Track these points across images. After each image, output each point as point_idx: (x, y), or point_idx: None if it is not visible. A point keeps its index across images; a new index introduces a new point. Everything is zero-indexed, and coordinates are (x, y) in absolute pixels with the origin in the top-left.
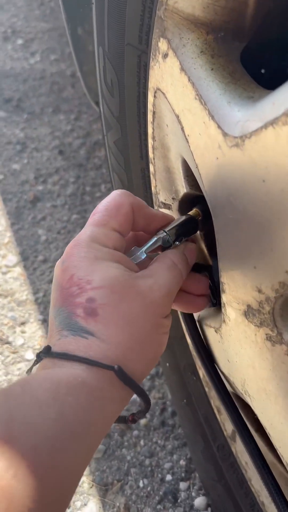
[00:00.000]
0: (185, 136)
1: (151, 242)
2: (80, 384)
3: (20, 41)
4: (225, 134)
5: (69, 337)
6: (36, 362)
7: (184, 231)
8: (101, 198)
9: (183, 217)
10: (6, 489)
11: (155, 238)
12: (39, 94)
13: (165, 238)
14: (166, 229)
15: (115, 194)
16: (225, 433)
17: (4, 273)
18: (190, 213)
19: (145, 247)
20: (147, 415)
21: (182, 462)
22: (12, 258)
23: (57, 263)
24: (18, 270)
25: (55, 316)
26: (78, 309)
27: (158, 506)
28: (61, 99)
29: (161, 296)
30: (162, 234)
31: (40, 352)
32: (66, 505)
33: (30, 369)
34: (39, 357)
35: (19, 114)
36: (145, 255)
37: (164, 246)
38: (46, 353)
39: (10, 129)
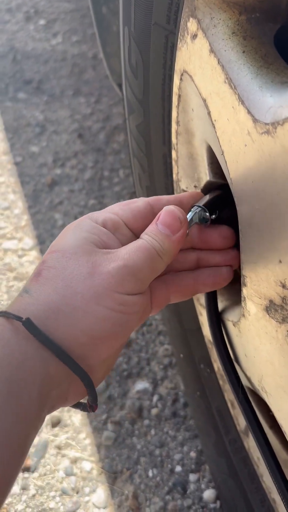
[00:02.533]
0: (211, 121)
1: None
2: None
3: (42, 22)
4: (255, 120)
5: (17, 297)
6: None
7: (217, 206)
8: (119, 183)
9: (213, 193)
10: None
11: (190, 215)
12: (59, 76)
13: (201, 214)
14: (199, 204)
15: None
16: (238, 427)
17: (20, 256)
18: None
19: None
20: (159, 405)
21: (192, 454)
22: (29, 241)
23: None
24: (34, 253)
25: None
26: (32, 273)
27: (167, 497)
28: (81, 81)
29: (117, 267)
30: (197, 210)
31: None
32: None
33: None
34: None
35: (39, 96)
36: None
37: (201, 223)
38: None
39: (30, 111)
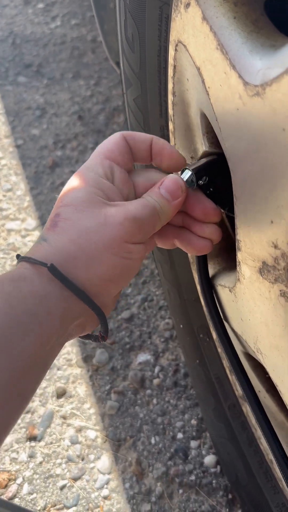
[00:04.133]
0: (205, 88)
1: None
2: (22, 279)
3: (41, 5)
4: (246, 84)
5: (36, 244)
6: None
7: (209, 172)
8: None
9: (207, 158)
10: None
11: (183, 174)
12: (59, 59)
13: (189, 178)
14: (190, 168)
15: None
16: (236, 393)
17: (24, 237)
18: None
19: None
20: (160, 375)
21: (193, 422)
22: (32, 222)
23: None
24: (37, 233)
25: None
26: (47, 222)
27: (169, 462)
28: (81, 64)
29: (125, 218)
30: (187, 174)
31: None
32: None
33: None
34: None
35: (39, 79)
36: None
37: (188, 186)
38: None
39: (30, 94)
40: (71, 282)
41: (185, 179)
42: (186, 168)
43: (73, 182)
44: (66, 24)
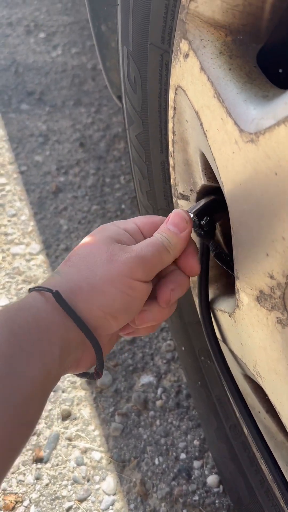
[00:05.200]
0: (203, 131)
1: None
2: (27, 307)
3: (42, 35)
4: (241, 130)
5: (49, 277)
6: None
7: (208, 211)
8: (120, 189)
9: (206, 199)
10: None
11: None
12: (60, 87)
13: (194, 221)
14: (192, 210)
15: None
16: (237, 413)
17: (28, 261)
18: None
19: None
20: (163, 397)
21: (196, 442)
22: (36, 246)
23: None
24: (41, 257)
25: None
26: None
27: (173, 483)
28: (82, 92)
29: (130, 257)
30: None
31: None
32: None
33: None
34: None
35: (41, 107)
36: None
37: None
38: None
39: (33, 122)
40: (72, 309)
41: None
42: (187, 211)
43: (94, 231)
44: (67, 53)
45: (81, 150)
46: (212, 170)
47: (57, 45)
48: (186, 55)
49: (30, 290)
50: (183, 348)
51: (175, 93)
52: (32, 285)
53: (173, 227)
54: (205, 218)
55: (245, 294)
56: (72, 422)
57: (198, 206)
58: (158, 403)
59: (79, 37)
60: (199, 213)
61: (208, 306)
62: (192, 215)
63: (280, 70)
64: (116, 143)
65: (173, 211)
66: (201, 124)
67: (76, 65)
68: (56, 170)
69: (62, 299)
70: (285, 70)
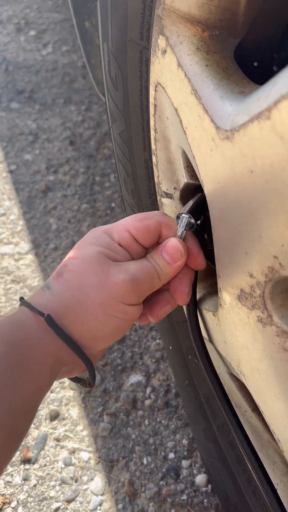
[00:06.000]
0: (183, 128)
1: (181, 229)
2: (20, 325)
3: (32, 32)
4: (217, 127)
5: (40, 290)
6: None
7: (201, 209)
8: (110, 188)
9: (194, 197)
10: None
11: (183, 222)
12: (51, 85)
13: (189, 221)
14: (186, 211)
15: (153, 212)
16: (222, 412)
17: (17, 260)
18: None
19: (179, 234)
20: (152, 396)
21: (184, 441)
22: (24, 245)
23: None
24: (30, 257)
25: None
26: (54, 272)
27: (161, 482)
28: (72, 90)
29: (123, 280)
30: (184, 217)
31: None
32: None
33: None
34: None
35: (31, 105)
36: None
37: (188, 229)
38: (20, 300)
39: (23, 120)
40: (65, 334)
41: (184, 224)
42: (181, 213)
43: (86, 238)
44: (57, 51)
45: (71, 148)
46: (194, 169)
47: (47, 43)
48: (164, 52)
49: (21, 301)
50: (170, 347)
51: (155, 90)
52: (20, 286)
53: (167, 257)
54: (201, 218)
55: (227, 293)
56: (60, 422)
57: (189, 206)
58: (147, 402)
59: (69, 35)
60: (193, 212)
61: (195, 304)
62: (188, 216)
63: (255, 64)
64: (107, 141)
65: (170, 240)
66: (180, 121)
67: (67, 63)
68: (45, 169)
69: (54, 323)
70: (263, 65)
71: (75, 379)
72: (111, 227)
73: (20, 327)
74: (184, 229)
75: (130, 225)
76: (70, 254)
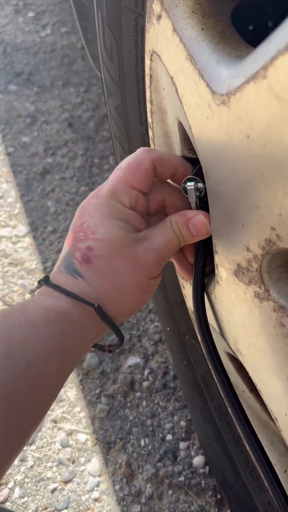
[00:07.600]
0: (179, 97)
1: (191, 197)
2: (66, 314)
3: (31, 14)
4: (213, 93)
5: (64, 273)
6: (37, 287)
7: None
8: (109, 170)
9: (195, 168)
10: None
11: (191, 189)
12: (49, 67)
13: (199, 187)
14: (193, 175)
15: (138, 151)
16: (222, 393)
17: (15, 243)
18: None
19: (195, 203)
20: (150, 378)
21: (182, 423)
22: (22, 228)
23: (79, 205)
24: (28, 240)
25: (63, 251)
26: (77, 253)
27: (158, 464)
28: (71, 72)
29: (152, 259)
30: (193, 181)
31: (41, 280)
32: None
33: (33, 292)
34: (39, 283)
35: (29, 87)
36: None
37: (199, 195)
38: (45, 281)
39: (21, 102)
40: (112, 322)
41: (195, 190)
42: (191, 177)
43: (98, 208)
44: (56, 32)
45: (70, 130)
46: (191, 141)
47: (46, 24)
48: (159, 17)
49: (47, 283)
50: (168, 328)
51: (151, 59)
52: (18, 268)
53: (194, 231)
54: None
55: (223, 269)
56: (57, 404)
57: (192, 173)
58: (145, 384)
59: (68, 16)
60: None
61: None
62: (194, 183)
63: (251, 27)
64: (106, 123)
65: (199, 216)
66: (176, 90)
67: (66, 45)
68: (43, 151)
69: (104, 313)
70: (262, 29)
71: (98, 347)
72: (113, 188)
73: (65, 319)
74: (196, 197)
75: (131, 179)
76: (87, 230)
